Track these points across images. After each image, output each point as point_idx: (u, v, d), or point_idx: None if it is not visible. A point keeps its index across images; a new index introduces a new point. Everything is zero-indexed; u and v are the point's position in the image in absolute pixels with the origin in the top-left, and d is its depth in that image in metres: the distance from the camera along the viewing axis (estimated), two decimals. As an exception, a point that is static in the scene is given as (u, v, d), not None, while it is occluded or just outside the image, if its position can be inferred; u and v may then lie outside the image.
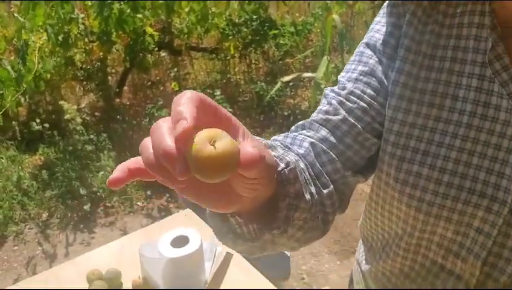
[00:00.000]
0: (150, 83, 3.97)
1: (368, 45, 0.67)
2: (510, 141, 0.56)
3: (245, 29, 3.82)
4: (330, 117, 0.63)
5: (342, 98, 0.64)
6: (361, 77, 0.65)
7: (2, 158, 3.08)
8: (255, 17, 3.85)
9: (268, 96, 3.49)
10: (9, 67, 2.55)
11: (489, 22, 0.57)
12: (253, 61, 4.06)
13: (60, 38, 3.07)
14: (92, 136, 3.03)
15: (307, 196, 0.53)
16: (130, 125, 3.43)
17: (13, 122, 3.19)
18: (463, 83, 0.59)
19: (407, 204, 0.62)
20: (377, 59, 0.65)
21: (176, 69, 3.83)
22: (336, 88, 0.67)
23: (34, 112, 3.49)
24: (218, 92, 3.23)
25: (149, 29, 3.51)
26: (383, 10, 0.67)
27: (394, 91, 0.63)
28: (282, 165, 0.49)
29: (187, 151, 0.36)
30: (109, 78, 3.73)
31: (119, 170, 0.40)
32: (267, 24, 3.86)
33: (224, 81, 3.90)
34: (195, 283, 1.20)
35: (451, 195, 0.59)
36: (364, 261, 0.79)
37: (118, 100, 3.76)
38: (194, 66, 4.13)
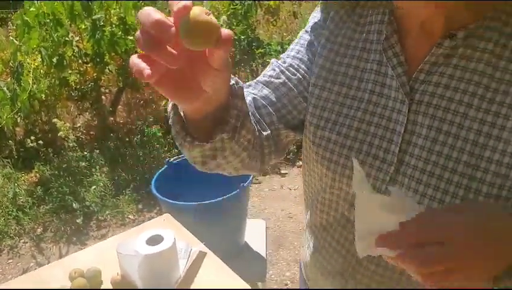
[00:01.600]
0: (142, 102, 4.10)
1: (306, 32, 0.83)
2: (398, 113, 0.69)
3: (233, 49, 3.97)
4: (273, 80, 0.79)
5: (283, 68, 0.80)
6: (298, 55, 0.81)
7: (-1, 176, 3.20)
8: (243, 37, 4.01)
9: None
10: (5, 88, 2.69)
11: (387, 18, 0.71)
12: (242, 79, 4.21)
13: (54, 60, 3.22)
14: (85, 153, 3.15)
15: (252, 121, 0.68)
16: (123, 142, 3.55)
17: (9, 141, 3.32)
18: (367, 67, 0.74)
19: (320, 163, 0.76)
20: (311, 43, 0.81)
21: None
22: (279, 61, 0.83)
23: (30, 131, 3.62)
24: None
25: (140, 51, 3.65)
26: (318, 7, 0.83)
27: (314, 70, 0.79)
28: (233, 82, 0.63)
29: (183, 19, 0.45)
30: (103, 97, 3.87)
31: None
32: (254, 44, 4.02)
33: (214, 98, 4.03)
34: (169, 278, 1.30)
35: (352, 156, 0.72)
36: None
37: (112, 119, 3.90)
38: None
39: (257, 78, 0.82)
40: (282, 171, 3.47)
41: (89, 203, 2.91)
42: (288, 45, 4.05)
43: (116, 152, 3.40)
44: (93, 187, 2.92)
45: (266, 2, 5.05)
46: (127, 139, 3.60)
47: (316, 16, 0.83)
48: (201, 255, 1.40)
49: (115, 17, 3.36)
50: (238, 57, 3.97)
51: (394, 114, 0.70)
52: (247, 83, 0.81)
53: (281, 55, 0.84)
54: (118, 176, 3.19)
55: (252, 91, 0.79)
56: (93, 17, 3.19)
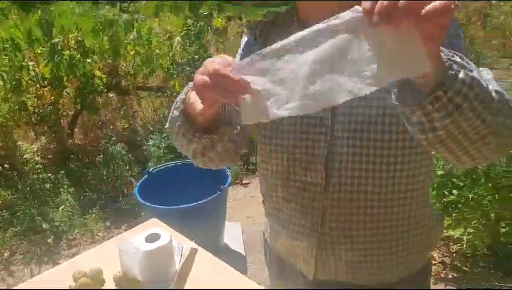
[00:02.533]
0: (100, 123, 4.16)
1: (240, 55, 1.04)
2: None
3: (188, 68, 4.13)
4: None
5: None
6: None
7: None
8: (196, 56, 4.18)
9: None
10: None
11: (296, 19, 0.96)
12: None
13: (12, 84, 3.25)
14: (49, 175, 3.18)
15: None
16: (84, 163, 3.60)
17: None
18: None
19: (263, 143, 1.00)
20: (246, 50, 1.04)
21: (124, 108, 4.05)
22: None
23: (-12, 156, 3.59)
24: (167, 124, 3.47)
25: (98, 72, 3.74)
26: (245, 34, 1.08)
27: None
28: None
29: None
30: (61, 120, 3.89)
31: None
32: (208, 62, 4.19)
33: (172, 116, 4.15)
34: (167, 272, 1.43)
35: (285, 140, 0.95)
36: None
37: (70, 141, 3.92)
38: (141, 104, 4.37)
39: None
40: (244, 182, 3.64)
41: (58, 223, 2.94)
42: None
43: (79, 172, 3.44)
44: (62, 207, 2.95)
45: (214, 24, 5.25)
46: (87, 160, 3.65)
47: (245, 40, 1.06)
48: (193, 251, 1.53)
49: (73, 41, 3.44)
50: (193, 75, 4.11)
51: None
52: None
53: None
54: (83, 196, 3.24)
55: None
56: (52, 41, 3.26)
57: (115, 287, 1.42)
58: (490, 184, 2.45)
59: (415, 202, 0.96)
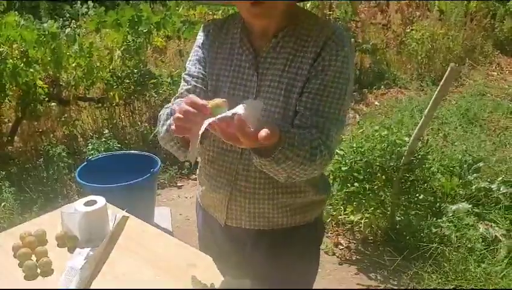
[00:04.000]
0: (40, 131, 4.33)
1: (198, 46, 1.39)
2: (251, 81, 1.28)
3: (127, 81, 4.41)
4: (189, 87, 1.35)
5: (190, 75, 1.36)
6: (196, 61, 1.38)
7: None
8: (136, 70, 4.47)
9: (152, 134, 4.08)
10: None
11: (241, 27, 1.31)
12: (137, 108, 4.64)
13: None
14: (-10, 176, 3.35)
15: None
16: (24, 167, 3.77)
17: None
18: (234, 55, 1.31)
19: None
20: (201, 50, 1.37)
21: (65, 115, 4.25)
22: (185, 73, 1.38)
23: None
24: (106, 131, 3.74)
25: (39, 82, 3.94)
26: (201, 29, 1.41)
27: (207, 65, 1.36)
28: None
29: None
30: (1, 126, 4.04)
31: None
32: (147, 76, 4.50)
33: (111, 126, 4.41)
34: (102, 231, 1.72)
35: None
36: None
37: (10, 147, 4.07)
38: (82, 114, 4.58)
39: (178, 97, 1.36)
40: (179, 184, 3.95)
41: (-2, 219, 3.11)
42: (177, 77, 4.63)
43: (20, 175, 3.62)
44: (3, 204, 3.13)
45: (154, 42, 5.55)
46: (27, 165, 3.82)
47: (200, 34, 1.41)
48: (124, 218, 1.84)
49: (17, 51, 3.65)
50: (133, 88, 4.41)
51: (249, 82, 1.29)
52: (178, 99, 1.34)
53: (186, 66, 1.40)
54: (23, 196, 3.42)
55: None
56: (-4, 51, 3.46)
57: (57, 247, 1.70)
58: (384, 177, 2.91)
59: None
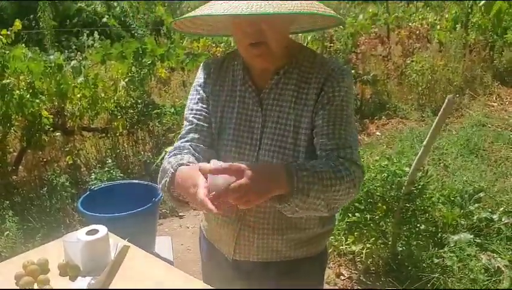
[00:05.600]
0: (44, 161, 4.37)
1: (199, 86, 1.42)
2: (255, 116, 1.32)
3: (131, 111, 4.48)
4: (193, 127, 1.38)
5: (194, 116, 1.39)
6: (199, 100, 1.41)
7: None
8: (140, 101, 4.55)
9: (155, 164, 4.11)
10: None
11: (242, 67, 1.35)
12: (140, 137, 4.69)
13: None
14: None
15: None
16: (28, 196, 3.80)
17: None
18: (236, 95, 1.35)
19: (221, 148, 1.36)
20: (203, 90, 1.41)
21: (69, 145, 4.30)
22: (188, 112, 1.41)
23: None
24: (109, 160, 3.78)
25: (45, 113, 4.01)
26: (201, 68, 1.45)
27: (210, 104, 1.39)
28: None
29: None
30: (7, 156, 4.09)
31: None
32: (150, 106, 4.57)
33: (114, 155, 4.45)
34: (103, 260, 1.74)
35: (234, 146, 1.33)
36: None
37: (14, 177, 4.11)
38: (86, 144, 4.63)
39: (182, 137, 1.39)
40: (180, 214, 3.96)
41: (0, 249, 3.12)
42: (180, 107, 4.68)
43: (23, 204, 3.64)
44: (6, 233, 3.15)
45: (159, 73, 5.66)
46: (31, 195, 3.85)
47: (200, 73, 1.45)
48: (125, 247, 1.85)
49: (23, 82, 3.73)
50: (136, 118, 4.48)
51: (254, 117, 1.33)
52: (175, 157, 1.32)
53: (188, 107, 1.43)
54: (26, 226, 3.43)
55: (192, 149, 1.34)
56: (3, 82, 3.54)
57: (58, 276, 1.71)
58: (385, 207, 2.92)
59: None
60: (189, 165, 1.23)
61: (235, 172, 1.07)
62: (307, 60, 1.32)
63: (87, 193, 2.77)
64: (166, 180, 1.26)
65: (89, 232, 1.72)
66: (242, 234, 1.38)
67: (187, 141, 1.36)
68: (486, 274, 2.85)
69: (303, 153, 1.28)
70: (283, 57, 1.30)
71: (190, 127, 1.39)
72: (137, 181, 3.27)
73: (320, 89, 1.27)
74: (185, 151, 1.32)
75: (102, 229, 1.75)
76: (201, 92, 1.41)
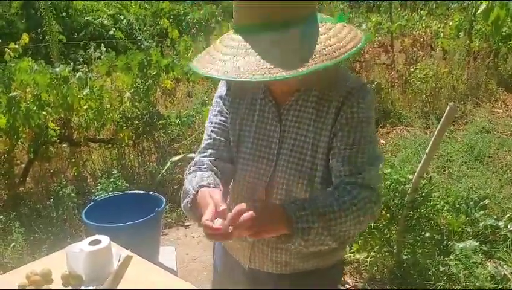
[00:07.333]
0: (51, 172, 4.42)
1: (219, 97, 1.45)
2: (274, 131, 1.33)
3: (137, 122, 4.52)
4: (211, 141, 1.42)
5: (213, 129, 1.42)
6: (218, 112, 1.44)
7: None
8: (145, 112, 4.59)
9: (160, 174, 4.13)
10: None
11: (264, 89, 1.35)
12: (146, 148, 4.73)
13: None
14: (0, 217, 3.42)
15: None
16: (34, 207, 3.84)
17: None
18: (256, 109, 1.37)
19: (239, 161, 1.38)
20: (222, 101, 1.44)
21: (76, 156, 4.35)
22: (209, 123, 1.44)
23: None
24: (115, 171, 3.81)
25: (51, 124, 4.06)
26: (222, 82, 1.47)
27: (229, 117, 1.42)
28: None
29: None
30: (14, 168, 4.14)
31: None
32: (156, 117, 4.61)
33: (120, 166, 4.49)
34: (106, 270, 1.75)
35: (251, 160, 1.34)
36: None
37: (22, 188, 4.15)
38: (92, 155, 4.68)
39: (201, 152, 1.42)
40: (186, 224, 3.98)
41: (7, 260, 3.15)
42: (186, 117, 4.70)
43: (30, 215, 3.68)
44: (12, 245, 3.18)
45: (164, 84, 5.71)
46: (39, 206, 3.88)
47: (222, 85, 1.48)
48: (128, 257, 1.87)
49: (30, 95, 3.78)
50: (142, 129, 4.51)
51: (272, 132, 1.34)
52: (194, 177, 1.34)
53: (208, 118, 1.47)
54: (33, 237, 3.46)
55: (210, 163, 1.37)
56: (10, 95, 3.59)
57: (61, 286, 1.73)
58: (389, 215, 2.92)
59: None
60: (209, 186, 1.25)
61: (237, 217, 1.09)
62: (327, 76, 1.29)
63: (92, 203, 2.80)
64: (187, 201, 1.29)
65: (92, 243, 1.74)
66: (256, 247, 1.41)
67: (205, 157, 1.39)
68: (492, 282, 2.83)
69: (320, 171, 1.28)
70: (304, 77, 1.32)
71: (209, 141, 1.42)
72: (141, 191, 3.29)
73: (339, 108, 1.27)
74: (204, 167, 1.36)
75: (105, 240, 1.77)
76: (221, 103, 1.44)
